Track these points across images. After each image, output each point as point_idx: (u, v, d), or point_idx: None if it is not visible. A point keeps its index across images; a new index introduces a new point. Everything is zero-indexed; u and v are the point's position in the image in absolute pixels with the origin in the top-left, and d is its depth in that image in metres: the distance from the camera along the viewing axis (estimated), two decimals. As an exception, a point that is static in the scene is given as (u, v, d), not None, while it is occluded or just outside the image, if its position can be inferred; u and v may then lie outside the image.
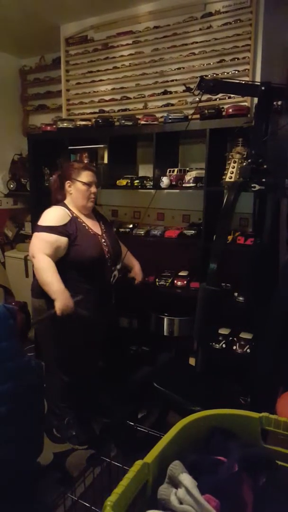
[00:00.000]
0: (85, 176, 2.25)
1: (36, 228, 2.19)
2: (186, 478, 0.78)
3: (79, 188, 2.24)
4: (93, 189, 2.26)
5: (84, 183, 2.23)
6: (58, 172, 2.38)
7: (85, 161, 3.05)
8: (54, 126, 3.19)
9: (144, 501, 0.82)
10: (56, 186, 2.34)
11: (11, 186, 4.05)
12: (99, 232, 2.30)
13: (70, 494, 1.55)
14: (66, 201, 2.29)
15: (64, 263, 2.15)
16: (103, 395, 2.58)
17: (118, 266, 2.36)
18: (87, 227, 2.25)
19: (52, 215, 2.19)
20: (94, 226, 2.30)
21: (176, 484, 0.80)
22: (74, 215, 2.23)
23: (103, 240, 2.28)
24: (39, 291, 2.23)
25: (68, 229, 2.16)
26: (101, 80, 3.25)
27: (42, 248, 2.09)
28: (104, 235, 2.31)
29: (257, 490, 0.80)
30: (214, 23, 2.69)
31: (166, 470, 0.83)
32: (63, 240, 2.13)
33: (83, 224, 2.24)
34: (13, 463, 1.79)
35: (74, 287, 2.15)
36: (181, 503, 0.77)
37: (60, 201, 2.30)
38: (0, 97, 4.00)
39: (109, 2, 2.92)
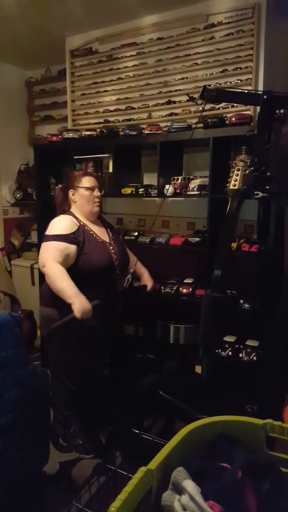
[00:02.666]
0: (87, 181, 2.27)
1: (44, 238, 2.18)
2: (189, 485, 0.78)
3: (82, 194, 2.26)
4: (96, 193, 2.28)
5: (87, 188, 2.26)
6: (61, 185, 2.41)
7: (90, 170, 3.09)
8: (60, 136, 3.23)
9: (148, 508, 0.82)
10: (60, 199, 2.36)
11: (18, 195, 4.10)
12: (107, 240, 2.32)
13: (76, 503, 1.54)
14: (72, 210, 2.31)
15: (73, 271, 2.15)
16: (109, 403, 2.58)
17: (131, 270, 2.35)
18: (94, 235, 2.26)
19: (60, 224, 2.20)
20: (101, 234, 2.31)
21: (179, 490, 0.80)
22: (82, 223, 2.25)
23: (111, 248, 2.29)
24: (48, 299, 2.24)
25: (76, 237, 2.17)
26: (105, 91, 3.30)
27: (52, 256, 2.09)
28: (112, 242, 2.33)
29: (260, 496, 0.80)
30: (217, 34, 2.73)
31: (170, 476, 0.83)
32: (72, 248, 2.14)
33: (91, 232, 2.26)
34: (19, 472, 1.79)
35: (84, 295, 2.16)
36: (184, 509, 0.77)
37: (66, 212, 2.32)
38: (7, 108, 4.07)
39: (113, 15, 2.98)
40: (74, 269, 2.16)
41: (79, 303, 2.02)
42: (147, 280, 2.59)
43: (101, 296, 2.22)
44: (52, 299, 2.23)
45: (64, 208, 2.34)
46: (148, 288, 2.57)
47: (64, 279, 2.06)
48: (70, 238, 2.15)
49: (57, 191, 2.42)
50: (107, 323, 2.32)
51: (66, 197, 2.33)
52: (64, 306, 2.21)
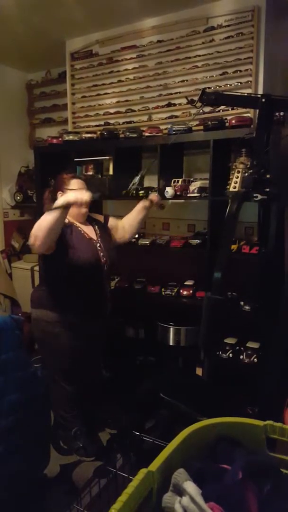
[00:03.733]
0: (74, 184, 2.29)
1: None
2: (190, 486, 0.78)
3: None
4: None
5: (74, 190, 2.27)
6: (49, 188, 2.43)
7: (91, 173, 3.09)
8: (60, 139, 3.25)
9: (148, 509, 0.82)
10: (48, 201, 2.37)
11: (18, 198, 4.10)
12: (94, 237, 2.33)
13: (77, 505, 1.54)
14: None
15: (60, 267, 2.16)
16: (109, 406, 2.58)
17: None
18: (82, 232, 2.28)
19: (46, 215, 2.09)
20: (89, 231, 2.33)
21: (180, 492, 0.80)
22: (70, 221, 2.27)
23: (98, 245, 2.30)
24: (39, 302, 2.26)
25: (64, 230, 2.15)
26: (106, 94, 3.31)
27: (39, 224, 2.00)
28: (99, 239, 2.34)
29: (261, 498, 0.80)
30: (217, 37, 2.74)
31: (171, 478, 0.83)
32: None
33: (79, 228, 2.28)
34: (20, 475, 1.79)
35: (71, 294, 2.18)
36: (185, 511, 0.78)
37: None
38: (8, 111, 4.08)
39: (113, 18, 2.99)
40: (62, 266, 2.16)
41: (70, 195, 1.92)
42: (150, 199, 2.44)
43: (89, 294, 2.22)
44: (43, 301, 2.24)
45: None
46: (155, 202, 2.41)
47: (46, 215, 1.96)
48: None
49: (46, 193, 2.43)
50: (97, 322, 2.32)
51: (54, 199, 2.33)
52: (55, 308, 2.22)
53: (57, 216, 1.93)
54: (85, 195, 1.93)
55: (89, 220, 2.42)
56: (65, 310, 2.21)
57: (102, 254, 2.29)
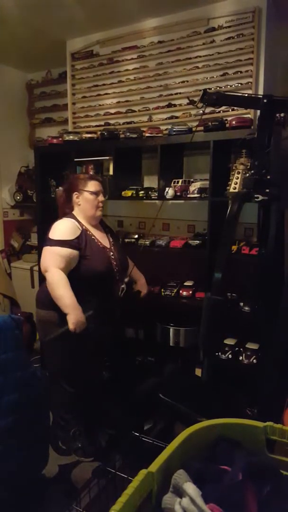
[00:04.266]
0: (92, 185, 2.28)
1: (48, 241, 2.17)
2: (190, 487, 0.78)
3: (87, 198, 2.26)
4: (101, 197, 2.29)
5: (92, 192, 2.26)
6: (63, 186, 2.41)
7: (91, 173, 3.09)
8: (60, 139, 3.24)
9: (148, 510, 0.82)
10: (63, 200, 2.36)
11: (18, 197, 4.10)
12: (108, 245, 2.32)
13: (76, 506, 1.54)
14: (74, 213, 2.31)
15: (73, 276, 2.15)
16: (109, 406, 2.57)
17: (126, 280, 2.36)
18: (96, 240, 2.26)
19: (64, 228, 2.19)
20: (102, 239, 2.31)
21: (180, 493, 0.80)
22: (84, 227, 2.25)
23: (111, 253, 2.30)
24: (45, 302, 2.24)
25: (79, 242, 2.17)
26: (106, 94, 3.31)
27: (55, 262, 2.09)
28: (112, 248, 2.33)
29: (261, 499, 0.80)
30: (217, 38, 2.75)
31: (171, 479, 0.83)
32: (75, 254, 2.14)
33: (92, 237, 2.26)
34: (18, 475, 1.79)
35: (82, 300, 2.16)
36: (185, 512, 0.77)
37: (67, 214, 2.32)
38: (8, 111, 4.08)
39: (114, 18, 2.99)
40: (74, 273, 2.17)
41: (74, 316, 2.05)
42: (142, 286, 2.61)
43: (100, 301, 2.22)
44: (49, 301, 2.23)
45: (66, 210, 2.34)
46: (142, 294, 2.60)
47: (65, 288, 2.07)
48: (74, 243, 2.15)
49: (59, 192, 2.42)
50: (106, 327, 2.32)
51: (69, 199, 2.33)
52: (60, 309, 2.21)
53: (59, 301, 2.10)
54: (81, 328, 2.09)
55: (103, 226, 2.42)
56: None
57: (115, 263, 2.29)
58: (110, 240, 2.37)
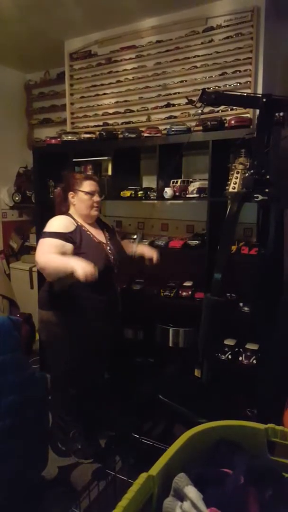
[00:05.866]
0: (87, 185, 2.26)
1: (41, 234, 2.15)
2: (191, 491, 0.77)
3: (81, 198, 2.25)
4: (96, 198, 2.27)
5: (87, 193, 2.25)
6: (61, 185, 2.40)
7: (89, 173, 3.08)
8: (59, 139, 3.23)
9: (149, 515, 0.81)
10: (60, 199, 2.35)
11: (16, 198, 4.09)
12: (104, 240, 2.31)
13: (75, 508, 1.53)
14: (70, 211, 2.30)
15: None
16: (108, 408, 2.56)
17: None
18: (91, 236, 2.25)
19: (58, 223, 2.18)
20: (98, 235, 2.31)
21: (181, 497, 0.79)
22: (79, 223, 2.24)
23: (108, 248, 2.29)
24: (47, 302, 2.23)
25: (73, 237, 2.16)
26: (104, 94, 3.30)
27: (47, 251, 2.05)
28: (108, 242, 2.32)
29: (263, 503, 0.79)
30: (216, 37, 2.74)
31: (171, 482, 0.82)
32: (68, 247, 2.12)
33: (88, 232, 2.25)
34: (17, 476, 1.78)
35: (81, 296, 2.15)
36: (186, 516, 0.76)
37: (64, 213, 2.31)
38: (6, 111, 4.07)
39: (112, 18, 2.98)
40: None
41: (79, 265, 1.91)
42: (150, 252, 2.49)
43: (100, 296, 2.21)
44: (50, 302, 2.22)
45: (62, 209, 2.33)
46: (155, 259, 2.47)
47: (57, 257, 2.01)
48: (67, 236, 2.13)
49: (57, 191, 2.41)
50: (107, 323, 2.31)
51: (65, 199, 2.32)
52: (63, 309, 2.20)
53: (61, 270, 1.98)
54: (93, 271, 1.92)
55: (99, 223, 2.40)
56: (75, 312, 2.19)
57: (112, 257, 2.27)
58: (106, 235, 2.36)
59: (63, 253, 2.09)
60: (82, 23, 3.08)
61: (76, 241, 2.16)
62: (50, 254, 2.03)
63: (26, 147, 4.26)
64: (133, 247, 2.52)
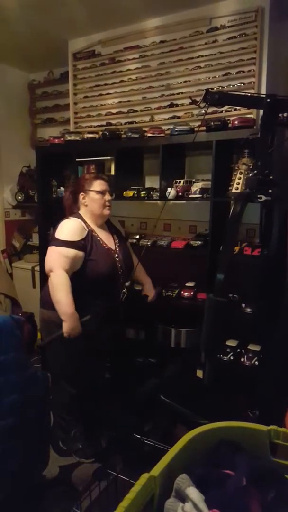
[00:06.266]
0: (98, 185, 2.26)
1: (54, 241, 2.16)
2: (193, 492, 0.77)
3: (93, 198, 2.25)
4: (107, 197, 2.27)
5: (98, 192, 2.25)
6: (69, 188, 2.40)
7: (93, 171, 3.08)
8: (62, 139, 3.23)
9: (150, 515, 0.81)
10: (70, 202, 2.36)
11: (19, 197, 4.09)
12: (113, 247, 2.30)
13: (76, 508, 1.53)
14: (81, 212, 2.29)
15: (77, 277, 2.14)
16: (109, 408, 2.56)
17: (127, 284, 2.34)
18: (101, 241, 2.25)
19: (71, 228, 2.18)
20: (107, 240, 2.30)
21: (183, 498, 0.79)
22: (90, 228, 2.24)
23: (116, 255, 2.28)
24: (49, 302, 2.23)
25: (85, 243, 2.16)
26: (108, 94, 3.30)
27: (60, 263, 2.07)
28: (117, 249, 2.32)
29: (265, 504, 0.79)
30: (220, 37, 2.73)
31: (173, 483, 0.82)
32: (80, 255, 2.13)
33: (98, 238, 2.25)
34: (18, 476, 1.78)
35: (86, 302, 2.15)
36: (188, 517, 0.76)
37: (74, 214, 2.30)
38: (9, 111, 4.07)
39: (116, 18, 2.98)
40: (79, 274, 2.15)
41: (69, 323, 2.06)
42: (149, 290, 2.59)
43: (103, 302, 2.21)
44: (52, 301, 2.22)
45: (73, 211, 2.33)
46: (149, 298, 2.57)
47: (65, 293, 2.06)
48: (80, 244, 2.14)
49: (66, 194, 2.40)
50: (108, 328, 2.31)
51: (75, 200, 2.32)
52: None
53: (58, 307, 2.10)
54: (75, 335, 2.10)
55: (109, 227, 2.40)
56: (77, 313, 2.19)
57: (120, 265, 2.28)
58: (115, 241, 2.36)
59: (75, 263, 2.12)
60: (85, 23, 3.08)
61: (88, 246, 2.16)
62: (65, 281, 2.07)
63: (29, 147, 4.26)
64: (141, 275, 2.60)
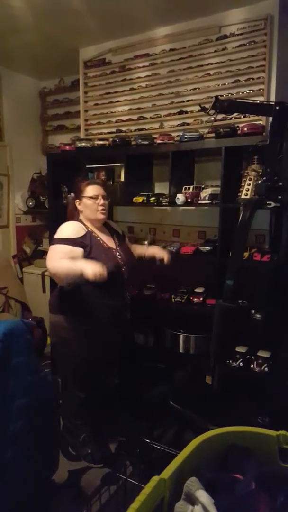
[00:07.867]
0: (90, 190, 2.29)
1: (52, 241, 2.22)
2: (203, 495, 0.78)
3: (86, 204, 2.28)
4: (100, 201, 2.28)
5: (90, 197, 2.28)
6: (73, 198, 2.45)
7: (102, 179, 3.11)
8: (73, 146, 3.27)
9: (160, 518, 0.81)
10: (72, 207, 2.40)
11: (30, 203, 4.14)
12: (113, 246, 2.33)
13: (86, 512, 1.54)
14: (80, 217, 2.34)
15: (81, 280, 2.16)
16: (118, 413, 2.57)
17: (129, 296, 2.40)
18: (101, 241, 2.28)
19: (68, 228, 2.23)
20: (108, 240, 2.33)
21: (192, 501, 0.80)
22: (89, 229, 2.27)
23: (117, 254, 2.31)
24: (57, 307, 2.25)
25: (83, 241, 2.19)
26: (118, 101, 3.33)
27: (56, 257, 2.10)
28: (118, 248, 2.34)
29: (274, 509, 0.79)
30: (229, 45, 2.76)
31: (183, 486, 0.83)
32: (78, 251, 2.15)
33: (98, 238, 2.28)
34: (28, 480, 1.79)
35: (91, 302, 2.17)
36: (197, 520, 0.77)
37: (75, 219, 2.34)
38: (21, 118, 4.14)
39: (126, 26, 3.02)
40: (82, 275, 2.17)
41: (88, 266, 1.96)
42: (161, 253, 2.50)
43: (109, 302, 2.22)
44: (61, 306, 2.24)
45: (74, 216, 2.37)
46: (166, 260, 2.47)
47: (66, 262, 2.05)
48: (77, 241, 2.16)
49: (70, 200, 2.45)
50: (116, 329, 2.32)
51: (75, 207, 2.36)
52: (72, 314, 2.22)
53: (71, 273, 2.02)
54: (102, 271, 1.95)
55: (108, 229, 2.43)
56: (85, 317, 2.20)
57: (122, 263, 2.29)
58: (115, 241, 2.38)
59: (73, 258, 2.11)
60: (96, 32, 3.13)
61: (87, 244, 2.19)
62: (60, 260, 2.07)
63: (40, 153, 4.32)
64: (144, 248, 2.54)
